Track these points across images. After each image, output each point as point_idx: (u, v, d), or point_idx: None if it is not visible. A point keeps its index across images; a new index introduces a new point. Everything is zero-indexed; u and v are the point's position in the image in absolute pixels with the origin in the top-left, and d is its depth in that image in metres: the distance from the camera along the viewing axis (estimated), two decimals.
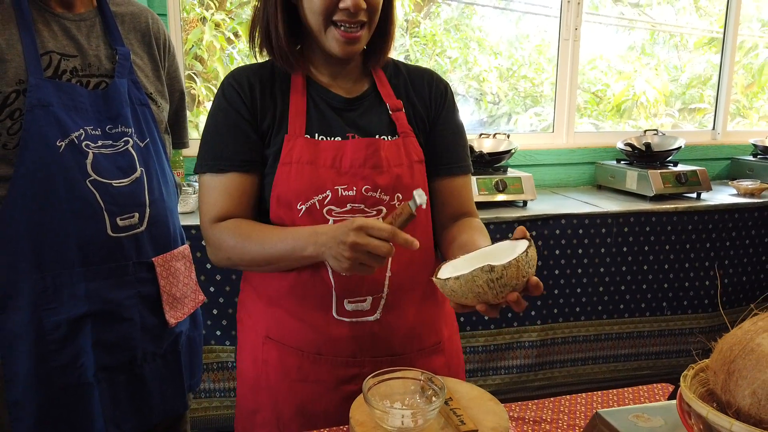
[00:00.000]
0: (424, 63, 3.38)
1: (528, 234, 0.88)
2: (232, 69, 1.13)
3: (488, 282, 0.80)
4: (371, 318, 1.06)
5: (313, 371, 1.07)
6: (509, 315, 2.48)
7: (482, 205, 2.48)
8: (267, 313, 1.12)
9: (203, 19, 3.02)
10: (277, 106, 1.08)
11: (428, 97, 1.15)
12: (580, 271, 2.53)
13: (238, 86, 1.08)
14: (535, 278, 0.84)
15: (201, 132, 1.14)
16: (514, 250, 0.86)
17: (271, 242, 1.02)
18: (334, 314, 1.06)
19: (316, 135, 1.06)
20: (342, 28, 1.00)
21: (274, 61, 1.10)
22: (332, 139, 1.06)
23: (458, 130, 1.18)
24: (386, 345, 1.08)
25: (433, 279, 0.88)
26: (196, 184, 2.36)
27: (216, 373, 2.23)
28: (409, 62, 1.64)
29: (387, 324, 1.07)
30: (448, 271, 0.90)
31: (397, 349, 1.09)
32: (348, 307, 1.06)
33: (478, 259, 0.90)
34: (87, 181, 1.08)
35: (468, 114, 3.45)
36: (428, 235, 1.12)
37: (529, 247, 0.83)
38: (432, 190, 1.14)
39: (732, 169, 3.32)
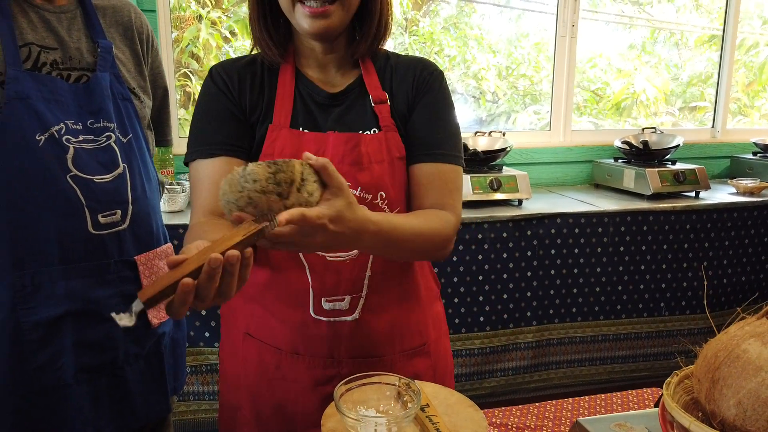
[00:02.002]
0: None
1: None
2: (220, 61, 1.10)
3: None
4: (350, 318, 1.04)
5: (290, 370, 1.05)
6: (505, 316, 2.45)
7: (476, 204, 2.44)
8: (246, 309, 1.10)
9: (199, 17, 3.00)
10: (264, 98, 1.05)
11: (411, 86, 1.08)
12: (576, 271, 2.51)
13: (227, 77, 1.05)
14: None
15: None
16: None
17: None
18: (312, 313, 1.03)
19: (301, 128, 1.04)
20: (308, 3, 0.96)
21: (263, 54, 1.07)
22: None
23: (438, 116, 1.07)
24: (366, 346, 1.05)
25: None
26: (186, 182, 2.33)
27: (205, 376, 2.20)
28: None
29: (366, 324, 1.04)
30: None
31: (377, 350, 1.06)
32: (326, 305, 1.03)
33: None
34: (67, 177, 1.06)
35: (466, 112, 3.42)
36: None
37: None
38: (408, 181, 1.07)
39: (732, 168, 3.29)
